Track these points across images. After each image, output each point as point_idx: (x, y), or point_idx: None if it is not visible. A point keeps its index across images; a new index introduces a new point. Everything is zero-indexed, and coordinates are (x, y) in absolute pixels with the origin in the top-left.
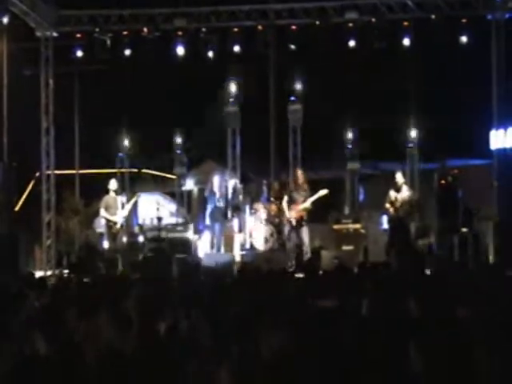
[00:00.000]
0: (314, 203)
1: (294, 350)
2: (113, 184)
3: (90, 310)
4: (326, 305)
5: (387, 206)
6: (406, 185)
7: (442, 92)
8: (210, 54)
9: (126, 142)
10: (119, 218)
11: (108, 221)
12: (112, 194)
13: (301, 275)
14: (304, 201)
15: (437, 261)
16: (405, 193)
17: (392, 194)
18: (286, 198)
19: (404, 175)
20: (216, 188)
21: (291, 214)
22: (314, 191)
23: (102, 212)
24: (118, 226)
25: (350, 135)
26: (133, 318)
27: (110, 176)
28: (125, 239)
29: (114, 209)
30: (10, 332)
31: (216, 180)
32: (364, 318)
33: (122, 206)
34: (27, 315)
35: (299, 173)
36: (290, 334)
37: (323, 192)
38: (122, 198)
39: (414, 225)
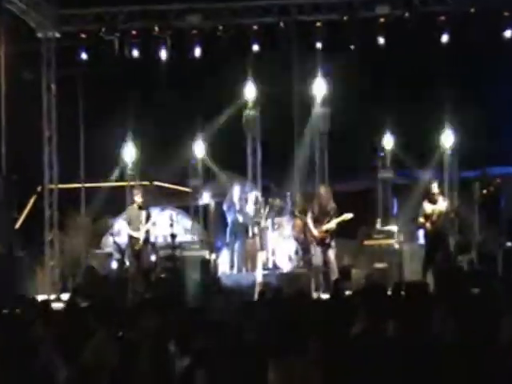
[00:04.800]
0: (338, 224)
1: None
2: (139, 196)
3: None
4: (355, 331)
5: (421, 220)
6: (442, 195)
7: (481, 92)
8: (227, 53)
9: (136, 152)
10: (142, 233)
11: (131, 237)
12: (136, 206)
13: (328, 297)
14: (328, 221)
15: (479, 278)
16: (441, 204)
17: (426, 206)
18: (309, 214)
19: (442, 185)
20: (236, 200)
21: (315, 233)
22: (342, 204)
23: (125, 226)
24: (141, 241)
25: (381, 141)
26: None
27: (117, 189)
28: (153, 257)
29: (137, 223)
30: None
31: (236, 191)
32: (397, 342)
33: (146, 220)
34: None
35: (322, 191)
36: (315, 363)
37: (348, 216)
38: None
39: (453, 239)
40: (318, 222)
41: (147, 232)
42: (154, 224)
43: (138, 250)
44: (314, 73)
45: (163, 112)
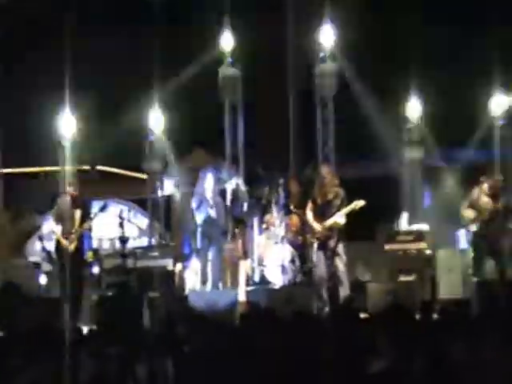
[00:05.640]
0: (348, 216)
1: None
2: (71, 186)
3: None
4: (374, 369)
5: (467, 212)
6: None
7: None
8: None
9: (73, 125)
10: (73, 238)
11: (58, 242)
12: (68, 199)
13: (336, 320)
14: (334, 213)
15: None
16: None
17: (476, 193)
18: (309, 204)
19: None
20: (209, 192)
21: (317, 227)
22: (354, 194)
23: (53, 225)
24: (72, 248)
25: (407, 109)
26: None
27: (48, 176)
28: (96, 269)
29: (69, 224)
30: None
31: (209, 180)
32: None
33: (82, 220)
34: None
35: (325, 171)
36: None
37: (359, 203)
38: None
39: (508, 243)
40: (320, 215)
41: (81, 237)
42: (90, 229)
43: (66, 258)
44: (316, 17)
45: (111, 68)
